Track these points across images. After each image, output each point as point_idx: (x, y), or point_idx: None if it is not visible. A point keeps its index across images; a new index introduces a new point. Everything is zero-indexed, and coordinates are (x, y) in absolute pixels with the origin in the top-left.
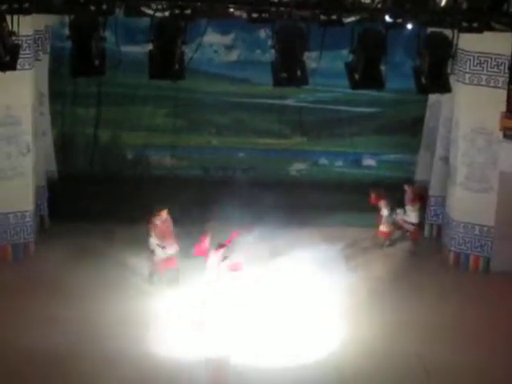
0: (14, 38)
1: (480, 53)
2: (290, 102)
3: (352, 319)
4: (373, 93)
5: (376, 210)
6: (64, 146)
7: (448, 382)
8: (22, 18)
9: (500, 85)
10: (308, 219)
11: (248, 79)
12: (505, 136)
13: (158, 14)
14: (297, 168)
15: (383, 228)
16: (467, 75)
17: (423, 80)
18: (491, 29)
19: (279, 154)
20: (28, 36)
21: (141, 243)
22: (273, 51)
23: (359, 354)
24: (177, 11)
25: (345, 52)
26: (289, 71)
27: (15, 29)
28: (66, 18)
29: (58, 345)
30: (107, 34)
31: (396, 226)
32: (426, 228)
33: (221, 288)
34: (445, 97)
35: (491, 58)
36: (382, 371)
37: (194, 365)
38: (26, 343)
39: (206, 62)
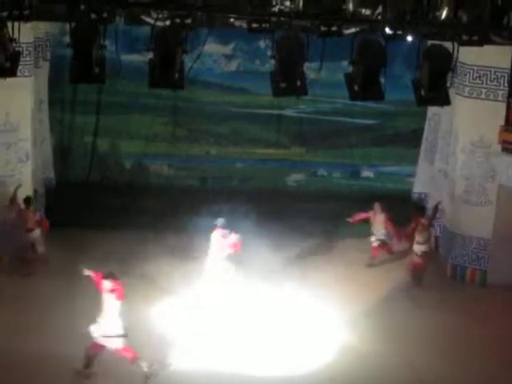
0: (14, 44)
1: (480, 66)
2: (288, 112)
3: (348, 330)
4: (372, 104)
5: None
6: (62, 154)
7: None
8: (22, 24)
9: (499, 98)
10: (305, 230)
11: (247, 89)
12: (503, 149)
13: (159, 23)
14: (295, 179)
15: None
16: (467, 88)
17: (423, 92)
18: (491, 42)
19: (277, 164)
20: (28, 43)
21: (137, 251)
22: (272, 61)
23: (354, 365)
24: (177, 20)
25: (345, 63)
26: (288, 81)
27: (16, 36)
28: (67, 26)
29: (53, 350)
30: (108, 42)
31: None
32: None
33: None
34: (444, 109)
35: (491, 72)
36: (376, 382)
37: (195, 374)
38: (21, 347)
39: (205, 72)
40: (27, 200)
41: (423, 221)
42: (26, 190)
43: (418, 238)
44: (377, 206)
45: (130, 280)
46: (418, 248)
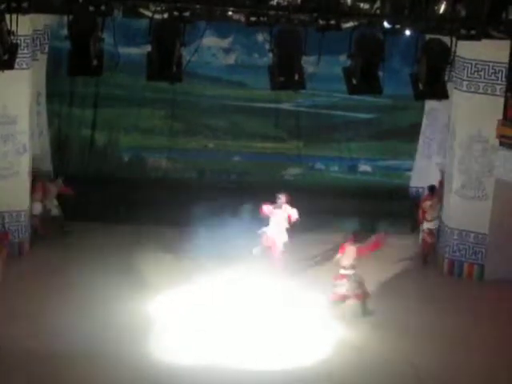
0: (12, 37)
1: (478, 60)
2: (286, 106)
3: (346, 326)
4: (370, 98)
5: (370, 215)
6: (60, 147)
7: None
8: (20, 17)
9: (497, 92)
10: (302, 224)
11: (245, 83)
12: (501, 144)
13: (157, 16)
14: (292, 172)
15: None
16: (465, 82)
17: (421, 86)
18: (489, 36)
19: (275, 158)
20: (26, 35)
21: (135, 244)
22: (271, 55)
23: (352, 361)
24: (175, 13)
25: (343, 57)
26: (286, 75)
27: (14, 28)
28: (65, 18)
29: (53, 345)
30: (106, 35)
31: None
32: (421, 235)
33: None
34: (442, 104)
35: (489, 66)
36: (374, 380)
37: (193, 369)
38: (18, 343)
39: (203, 65)
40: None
41: (428, 203)
42: (23, 183)
43: (427, 215)
44: (281, 197)
45: (128, 273)
46: (425, 225)
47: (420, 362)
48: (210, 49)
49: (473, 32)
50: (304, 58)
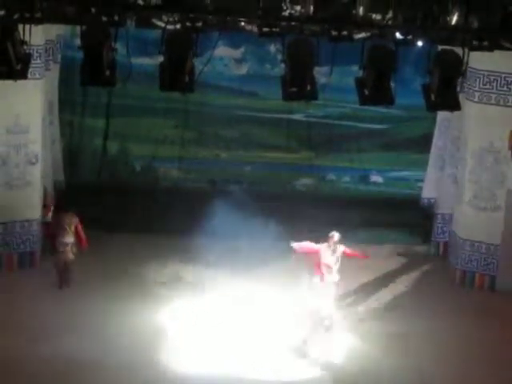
0: (25, 47)
1: (490, 71)
2: (298, 116)
3: (355, 335)
4: (382, 109)
5: (382, 226)
6: (72, 156)
7: None
8: (33, 27)
9: (509, 103)
10: (313, 234)
11: (257, 93)
12: None
13: (170, 27)
14: (304, 183)
15: None
16: (476, 93)
17: (433, 97)
18: (502, 47)
19: (286, 168)
20: (39, 45)
21: (146, 254)
22: (283, 65)
23: (359, 370)
24: (188, 24)
25: (354, 67)
26: (298, 86)
27: (27, 38)
28: (78, 28)
29: (63, 354)
30: (118, 45)
31: None
32: (433, 245)
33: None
34: (454, 114)
35: (501, 77)
36: None
37: (204, 379)
38: (30, 352)
39: (215, 75)
40: None
41: None
42: (35, 193)
43: None
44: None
45: (139, 282)
46: None
47: (430, 371)
48: (222, 59)
49: (485, 43)
50: (316, 69)
